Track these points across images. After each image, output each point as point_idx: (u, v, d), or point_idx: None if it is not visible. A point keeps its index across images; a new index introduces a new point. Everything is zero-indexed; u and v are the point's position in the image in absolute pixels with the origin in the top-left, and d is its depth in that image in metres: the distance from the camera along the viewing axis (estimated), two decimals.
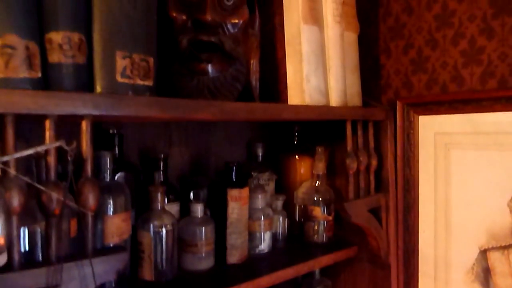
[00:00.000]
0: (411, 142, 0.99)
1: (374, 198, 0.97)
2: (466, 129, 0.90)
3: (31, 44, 0.50)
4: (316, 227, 1.04)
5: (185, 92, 0.77)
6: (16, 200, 0.49)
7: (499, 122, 0.85)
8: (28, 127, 0.73)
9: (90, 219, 0.56)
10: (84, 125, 0.55)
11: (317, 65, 0.87)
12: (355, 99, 0.97)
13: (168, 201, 0.87)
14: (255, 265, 0.90)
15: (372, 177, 0.98)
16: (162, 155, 0.89)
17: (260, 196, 0.95)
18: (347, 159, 0.92)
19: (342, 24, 0.92)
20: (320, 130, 1.11)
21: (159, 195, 0.80)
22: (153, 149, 0.96)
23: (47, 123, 0.52)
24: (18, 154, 0.48)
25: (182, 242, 0.85)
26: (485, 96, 0.86)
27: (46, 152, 0.53)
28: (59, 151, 0.54)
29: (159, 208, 0.81)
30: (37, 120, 0.53)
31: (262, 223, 0.94)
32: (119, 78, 0.57)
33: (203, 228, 0.85)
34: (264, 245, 0.95)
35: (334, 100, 0.89)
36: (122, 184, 0.75)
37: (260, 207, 0.95)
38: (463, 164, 0.91)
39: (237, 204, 0.89)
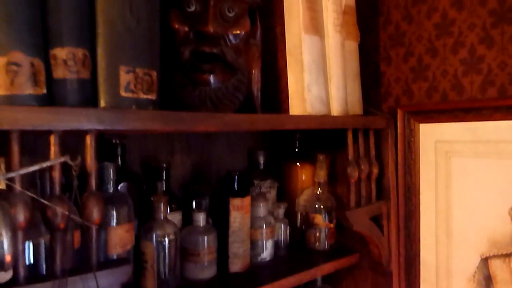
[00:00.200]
0: (412, 150, 0.99)
1: (376, 206, 0.98)
2: (466, 137, 0.90)
3: (36, 61, 0.51)
4: (317, 235, 1.04)
5: (187, 102, 0.77)
6: (21, 216, 0.50)
7: (499, 131, 0.85)
8: (33, 136, 0.74)
9: (94, 233, 0.57)
10: (88, 140, 0.55)
11: (318, 75, 0.88)
12: (356, 108, 0.98)
13: (170, 210, 0.87)
14: (257, 273, 0.90)
15: (373, 185, 0.98)
16: (165, 165, 0.90)
17: (262, 205, 0.95)
18: (349, 168, 0.92)
19: (342, 33, 0.92)
20: (321, 137, 1.11)
21: (162, 205, 0.81)
22: (155, 158, 0.97)
23: (52, 139, 0.53)
24: (24, 171, 0.49)
25: (184, 251, 0.85)
26: (485, 105, 0.87)
27: (51, 166, 0.53)
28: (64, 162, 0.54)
29: (162, 218, 0.81)
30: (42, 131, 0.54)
31: (264, 231, 0.95)
32: (123, 93, 0.58)
33: (206, 237, 0.86)
34: (266, 253, 0.96)
35: (335, 109, 0.90)
36: (125, 195, 0.76)
37: (262, 216, 0.95)
38: (464, 172, 0.91)
39: (239, 213, 0.89)
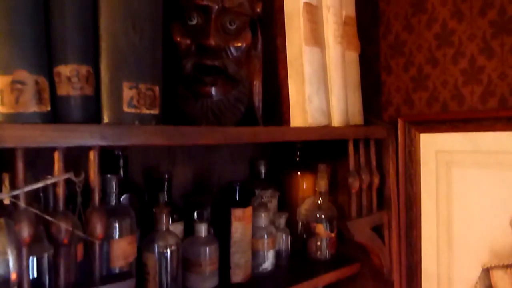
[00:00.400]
0: (413, 160, 1.00)
1: (377, 216, 0.98)
2: (467, 148, 0.91)
3: (40, 79, 0.51)
4: (318, 244, 1.04)
5: (189, 114, 0.78)
6: (26, 232, 0.50)
7: (500, 141, 0.86)
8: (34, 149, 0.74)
9: (97, 248, 0.57)
10: (92, 156, 0.56)
11: (319, 86, 0.88)
12: (357, 118, 0.98)
13: (172, 221, 0.87)
14: (259, 284, 0.90)
15: (374, 195, 0.98)
16: (166, 175, 0.90)
17: (263, 215, 0.95)
18: (350, 178, 0.93)
19: (343, 44, 0.93)
20: (322, 146, 1.12)
21: (164, 216, 0.81)
22: (156, 168, 0.97)
23: (56, 155, 0.53)
24: (28, 188, 0.49)
25: (186, 262, 0.85)
26: (486, 115, 0.87)
27: (55, 182, 0.54)
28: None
29: (164, 229, 0.81)
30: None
31: (266, 241, 0.95)
32: (126, 108, 0.58)
33: (207, 248, 0.86)
34: (268, 264, 0.96)
35: (336, 119, 0.90)
36: (127, 207, 0.76)
37: (263, 226, 0.96)
38: (465, 182, 0.91)
39: (240, 224, 0.89)
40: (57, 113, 0.54)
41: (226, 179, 1.06)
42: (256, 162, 1.10)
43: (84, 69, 0.55)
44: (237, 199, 0.91)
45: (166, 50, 0.70)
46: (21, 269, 0.49)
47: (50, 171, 0.54)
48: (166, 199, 0.88)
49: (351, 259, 1.05)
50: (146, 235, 0.82)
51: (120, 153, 0.84)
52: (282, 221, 1.03)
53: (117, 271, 0.72)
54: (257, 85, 0.86)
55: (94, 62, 0.57)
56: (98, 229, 0.56)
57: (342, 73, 0.92)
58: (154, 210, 0.81)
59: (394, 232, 0.99)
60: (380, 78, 1.08)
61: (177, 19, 0.77)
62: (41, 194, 0.65)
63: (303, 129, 0.84)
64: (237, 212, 0.89)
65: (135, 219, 0.76)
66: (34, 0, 0.52)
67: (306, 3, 0.86)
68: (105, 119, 0.57)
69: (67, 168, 0.55)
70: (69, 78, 0.54)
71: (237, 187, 0.91)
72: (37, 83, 0.51)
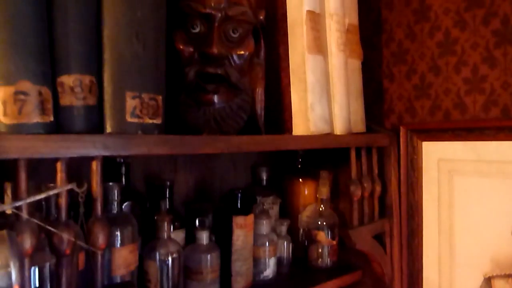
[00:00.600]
0: (415, 168, 1.00)
1: (378, 224, 0.98)
2: (469, 157, 0.91)
3: (43, 89, 0.51)
4: (320, 251, 1.04)
5: (192, 122, 0.78)
6: (28, 243, 0.50)
7: (502, 151, 0.86)
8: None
9: (99, 258, 0.57)
10: (95, 166, 0.56)
11: (322, 94, 0.88)
12: (359, 125, 0.98)
13: (173, 229, 0.87)
14: None
15: (376, 203, 0.98)
16: (168, 183, 0.90)
17: (264, 222, 0.95)
18: (352, 186, 0.93)
19: (346, 52, 0.93)
20: (323, 153, 1.11)
21: (165, 224, 0.81)
22: (158, 174, 0.97)
23: (59, 166, 0.53)
24: (31, 199, 0.49)
25: (187, 269, 0.85)
26: (489, 125, 0.87)
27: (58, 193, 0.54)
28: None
29: (165, 237, 0.81)
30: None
31: (267, 249, 0.95)
32: (129, 118, 0.58)
33: (208, 255, 0.86)
34: (269, 271, 0.96)
35: (339, 127, 0.90)
36: (129, 216, 0.76)
37: (265, 233, 0.95)
38: (467, 191, 0.91)
39: (242, 231, 0.89)
40: (60, 123, 0.54)
41: (228, 186, 1.06)
42: (258, 169, 1.10)
43: (87, 79, 0.55)
44: (239, 206, 0.91)
45: (169, 57, 0.70)
46: (23, 280, 0.49)
47: (52, 177, 0.54)
48: (167, 207, 0.88)
49: (352, 267, 1.05)
50: (147, 242, 0.81)
51: (122, 160, 0.84)
52: (283, 228, 1.03)
53: (118, 279, 0.71)
54: (260, 92, 0.86)
55: (97, 72, 0.57)
56: (100, 240, 0.56)
57: (345, 81, 0.92)
58: (155, 218, 0.81)
59: (395, 240, 0.99)
60: (382, 85, 1.08)
61: (180, 27, 0.77)
62: (43, 202, 0.64)
63: (305, 137, 0.83)
64: (238, 220, 0.88)
65: (136, 227, 0.76)
66: (37, 10, 0.52)
67: (309, 11, 0.86)
68: (108, 129, 0.57)
69: (69, 175, 0.55)
70: (72, 88, 0.54)
71: (239, 195, 0.91)
72: (40, 93, 0.51)
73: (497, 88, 0.88)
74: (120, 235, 0.72)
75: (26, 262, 0.51)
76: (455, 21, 0.94)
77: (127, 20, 0.58)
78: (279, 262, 1.00)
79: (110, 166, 0.83)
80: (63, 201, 0.54)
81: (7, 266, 0.43)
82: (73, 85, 0.54)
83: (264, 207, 1.05)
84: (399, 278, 1.00)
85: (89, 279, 0.62)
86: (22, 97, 0.50)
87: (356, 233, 0.91)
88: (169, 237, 0.82)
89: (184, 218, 0.93)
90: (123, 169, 0.84)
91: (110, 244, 0.70)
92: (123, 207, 0.81)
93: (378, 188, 0.98)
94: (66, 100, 0.54)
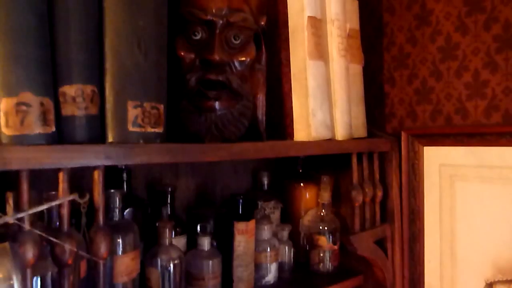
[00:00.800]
0: (416, 173, 1.00)
1: (380, 229, 0.98)
2: (470, 162, 0.91)
3: (45, 100, 0.51)
4: (321, 256, 1.04)
5: (193, 128, 0.77)
6: (30, 254, 0.50)
7: (504, 156, 0.86)
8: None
9: (101, 267, 0.57)
10: (96, 176, 0.56)
11: (323, 99, 0.88)
12: (360, 130, 0.98)
13: (175, 235, 0.87)
14: None
15: (377, 208, 0.98)
16: (170, 188, 0.90)
17: (266, 228, 0.95)
18: (353, 192, 0.92)
19: (347, 57, 0.93)
20: (325, 158, 1.11)
21: (167, 230, 0.81)
22: (160, 180, 0.97)
23: (61, 176, 0.53)
24: (33, 210, 0.49)
25: (189, 275, 0.85)
26: (490, 130, 0.87)
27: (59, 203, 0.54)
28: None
29: (167, 243, 0.81)
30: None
31: (268, 254, 0.95)
32: (131, 127, 0.58)
33: (210, 261, 0.86)
34: (270, 277, 0.96)
35: (340, 133, 0.90)
36: (131, 223, 0.76)
37: (266, 238, 0.95)
38: (468, 196, 0.91)
39: (243, 237, 0.89)
40: (61, 133, 0.54)
41: (229, 191, 1.06)
42: (259, 174, 1.10)
43: (89, 89, 0.55)
44: (240, 212, 0.91)
45: (170, 64, 0.70)
46: None
47: (54, 185, 0.54)
48: (169, 212, 0.88)
49: (353, 272, 1.05)
50: (149, 248, 0.82)
51: (123, 166, 0.84)
52: (285, 233, 1.03)
53: (120, 287, 0.71)
54: (261, 98, 0.86)
55: (99, 82, 0.57)
56: (102, 249, 0.56)
57: (346, 86, 0.92)
58: (157, 224, 0.81)
59: (397, 246, 0.99)
60: (383, 90, 1.08)
61: (181, 34, 0.77)
62: (44, 211, 0.64)
63: (306, 143, 0.83)
64: (240, 226, 0.88)
65: (138, 234, 0.76)
66: (38, 21, 0.52)
67: (310, 17, 0.86)
68: (110, 138, 0.57)
69: (71, 183, 0.55)
70: (74, 98, 0.54)
71: (240, 200, 0.91)
72: (42, 104, 0.51)
73: (498, 93, 0.88)
74: (122, 243, 0.72)
75: (28, 272, 0.51)
76: (456, 26, 0.94)
77: (129, 29, 0.58)
78: (281, 267, 1.00)
79: (111, 172, 0.83)
80: (65, 212, 0.54)
81: (10, 278, 0.43)
82: (74, 95, 0.54)
83: (266, 212, 1.05)
84: (401, 283, 1.00)
85: (91, 287, 0.62)
86: (24, 108, 0.50)
87: (358, 238, 0.91)
88: (170, 243, 0.82)
89: (186, 223, 0.93)
90: (125, 175, 0.84)
91: (111, 251, 0.70)
92: (124, 213, 0.81)
93: (379, 193, 0.97)
94: (68, 110, 0.54)
